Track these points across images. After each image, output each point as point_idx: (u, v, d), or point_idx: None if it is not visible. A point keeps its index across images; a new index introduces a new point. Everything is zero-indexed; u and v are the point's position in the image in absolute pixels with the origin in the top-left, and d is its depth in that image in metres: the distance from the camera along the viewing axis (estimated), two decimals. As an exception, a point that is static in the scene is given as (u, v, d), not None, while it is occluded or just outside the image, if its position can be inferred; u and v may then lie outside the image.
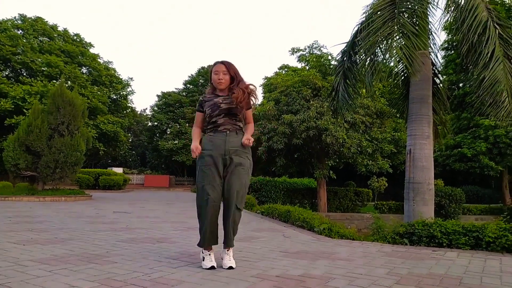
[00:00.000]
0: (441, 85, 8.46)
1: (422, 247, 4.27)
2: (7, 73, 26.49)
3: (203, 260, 2.93)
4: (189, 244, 4.07)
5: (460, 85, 23.12)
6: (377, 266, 3.14)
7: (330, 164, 16.02)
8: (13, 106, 22.29)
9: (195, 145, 2.96)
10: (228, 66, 2.99)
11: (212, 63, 3.09)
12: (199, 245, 2.98)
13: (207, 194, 2.86)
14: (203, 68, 39.52)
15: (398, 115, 13.26)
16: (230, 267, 2.87)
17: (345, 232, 4.99)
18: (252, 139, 2.94)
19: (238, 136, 2.96)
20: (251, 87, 3.03)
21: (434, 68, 7.96)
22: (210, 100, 3.02)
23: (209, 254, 2.93)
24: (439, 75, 8.67)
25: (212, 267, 2.84)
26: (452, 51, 22.95)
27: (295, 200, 15.48)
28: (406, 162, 6.95)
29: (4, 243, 3.83)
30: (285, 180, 16.70)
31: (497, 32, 6.60)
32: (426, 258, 3.58)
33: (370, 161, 14.76)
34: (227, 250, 2.97)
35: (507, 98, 6.41)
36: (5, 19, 26.51)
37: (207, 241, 2.92)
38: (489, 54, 6.39)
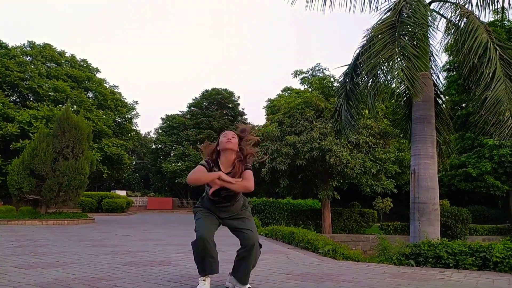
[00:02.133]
0: (443, 105, 8.50)
1: (429, 268, 4.19)
2: (14, 98, 26.91)
3: (197, 286, 2.85)
4: (191, 267, 4.02)
5: (463, 105, 23.18)
6: (383, 288, 3.08)
7: (334, 185, 15.90)
8: (19, 130, 22.51)
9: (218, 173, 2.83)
10: (237, 134, 3.04)
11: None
12: (201, 273, 2.91)
13: (203, 235, 2.77)
14: (207, 91, 40.01)
15: (401, 135, 13.22)
16: None
17: (350, 254, 4.91)
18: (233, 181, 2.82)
19: (237, 202, 3.00)
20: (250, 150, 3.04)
21: (436, 89, 8.01)
22: (212, 171, 2.88)
23: (204, 280, 2.86)
24: (442, 96, 8.72)
25: None
26: (454, 72, 23.12)
27: (299, 221, 15.30)
28: (411, 182, 6.91)
29: (5, 267, 3.81)
30: (289, 201, 16.56)
31: (497, 53, 6.68)
32: (432, 279, 3.51)
33: (375, 182, 14.63)
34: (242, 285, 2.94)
35: (510, 118, 6.42)
36: (15, 46, 27.15)
37: (209, 270, 2.86)
38: (490, 75, 6.44)
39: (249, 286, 2.94)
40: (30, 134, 21.97)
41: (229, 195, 2.91)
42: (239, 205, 3.02)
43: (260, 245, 2.97)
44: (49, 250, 5.32)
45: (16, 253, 4.86)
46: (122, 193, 30.16)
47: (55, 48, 28.48)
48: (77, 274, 3.49)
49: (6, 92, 24.98)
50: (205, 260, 2.83)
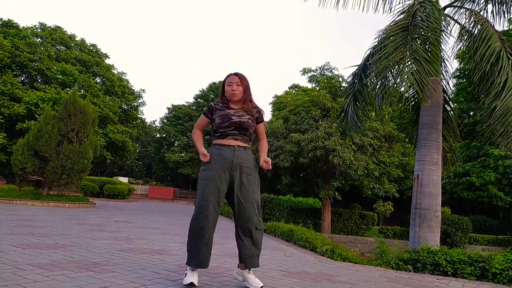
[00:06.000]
0: (451, 112, 8.42)
1: (426, 274, 4.17)
2: (22, 79, 27.02)
3: (185, 276, 2.74)
4: (189, 257, 4.02)
5: (471, 113, 23.03)
6: (379, 292, 3.07)
7: (335, 185, 15.89)
8: (25, 111, 22.63)
9: (204, 152, 2.84)
10: (241, 78, 2.95)
11: (225, 76, 3.04)
12: (188, 263, 2.76)
13: (206, 211, 2.69)
14: (214, 83, 39.97)
15: (407, 140, 13.17)
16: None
17: (348, 255, 4.90)
18: (270, 161, 2.86)
19: (246, 152, 2.87)
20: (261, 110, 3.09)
21: (445, 95, 7.94)
22: (222, 110, 2.90)
23: (192, 270, 2.74)
24: (450, 102, 8.65)
25: (191, 284, 2.65)
26: (464, 80, 22.96)
27: (298, 219, 15.30)
28: (414, 187, 6.87)
29: (4, 245, 3.83)
30: (290, 199, 16.56)
31: (510, 62, 6.59)
32: (429, 286, 3.49)
33: (377, 185, 14.60)
34: (249, 271, 2.82)
35: (518, 129, 6.34)
36: (26, 26, 27.22)
37: (198, 263, 2.72)
38: (501, 84, 6.36)
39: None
40: (36, 115, 22.06)
41: (243, 125, 2.84)
42: (250, 155, 2.89)
43: (259, 229, 2.80)
44: (48, 231, 5.34)
45: (15, 232, 4.88)
46: (124, 179, 30.30)
47: (65, 31, 28.56)
48: (75, 257, 3.50)
49: (15, 72, 25.09)
50: (198, 246, 2.69)
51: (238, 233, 2.82)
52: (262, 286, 2.75)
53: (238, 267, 2.92)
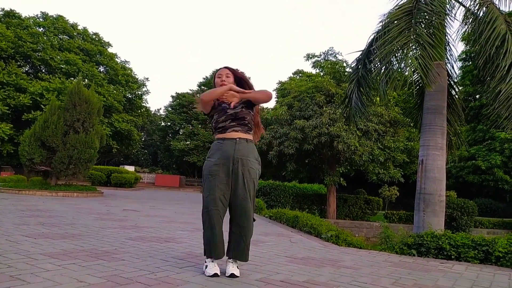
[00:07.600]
0: (456, 96, 8.37)
1: (430, 258, 4.23)
2: (27, 69, 27.10)
3: (206, 268, 2.79)
4: (196, 245, 4.11)
5: (477, 96, 22.82)
6: (383, 276, 3.13)
7: (341, 171, 15.93)
8: (31, 102, 22.76)
9: (225, 89, 2.88)
10: (231, 69, 3.02)
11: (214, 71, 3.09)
12: (206, 254, 2.84)
13: (213, 205, 2.76)
14: (217, 70, 39.82)
15: (412, 125, 13.12)
16: (232, 275, 2.70)
17: (352, 240, 4.96)
18: (239, 96, 2.88)
19: (248, 144, 2.88)
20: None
21: (449, 79, 7.88)
22: (219, 105, 2.94)
23: (212, 261, 2.81)
24: (455, 86, 8.58)
25: (215, 275, 2.70)
26: (470, 62, 22.69)
27: (304, 205, 15.40)
28: (418, 172, 6.89)
29: (16, 235, 3.92)
30: (295, 185, 16.64)
31: (515, 45, 6.51)
32: (433, 270, 3.54)
33: (382, 170, 14.61)
34: (233, 261, 2.82)
35: (523, 112, 6.31)
36: (28, 16, 27.17)
37: (215, 253, 2.78)
38: (506, 67, 6.31)
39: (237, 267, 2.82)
40: (41, 105, 22.21)
41: (239, 115, 2.86)
42: (252, 148, 2.89)
43: (253, 219, 2.85)
44: (58, 221, 5.45)
45: (26, 223, 4.99)
46: (131, 168, 30.56)
47: (67, 20, 28.49)
48: (85, 246, 3.59)
49: (18, 63, 25.16)
50: (211, 238, 2.76)
51: (231, 225, 2.86)
52: (232, 274, 2.71)
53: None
